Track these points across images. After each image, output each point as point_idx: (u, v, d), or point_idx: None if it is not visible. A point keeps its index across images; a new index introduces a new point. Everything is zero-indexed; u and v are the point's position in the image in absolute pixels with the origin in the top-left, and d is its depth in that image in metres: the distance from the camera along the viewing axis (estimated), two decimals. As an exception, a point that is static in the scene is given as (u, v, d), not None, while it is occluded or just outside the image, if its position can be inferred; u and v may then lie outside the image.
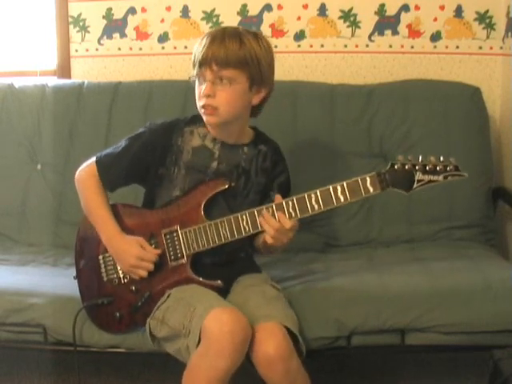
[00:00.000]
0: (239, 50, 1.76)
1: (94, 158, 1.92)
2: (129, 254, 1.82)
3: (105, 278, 1.89)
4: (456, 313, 1.86)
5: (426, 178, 1.69)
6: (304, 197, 1.73)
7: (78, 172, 1.96)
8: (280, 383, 1.66)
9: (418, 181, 1.70)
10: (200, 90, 1.79)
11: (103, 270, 1.89)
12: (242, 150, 1.89)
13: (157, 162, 1.87)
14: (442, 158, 1.71)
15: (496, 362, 1.77)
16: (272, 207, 1.74)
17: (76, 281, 1.93)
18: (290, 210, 1.74)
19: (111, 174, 1.90)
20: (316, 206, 1.72)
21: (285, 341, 1.66)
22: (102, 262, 1.89)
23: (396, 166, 1.70)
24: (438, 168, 1.69)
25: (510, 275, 1.95)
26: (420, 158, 1.71)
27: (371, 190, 1.70)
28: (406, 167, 1.70)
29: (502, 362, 1.76)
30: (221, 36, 1.77)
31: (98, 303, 1.87)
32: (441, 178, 1.70)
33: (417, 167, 1.70)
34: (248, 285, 1.85)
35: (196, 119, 1.89)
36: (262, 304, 1.76)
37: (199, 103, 1.81)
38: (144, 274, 1.82)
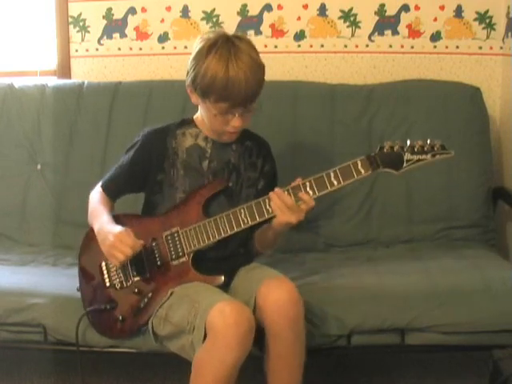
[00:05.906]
0: (262, 78, 1.79)
1: (100, 183, 1.96)
2: (111, 233, 1.79)
3: (107, 284, 1.89)
4: (456, 313, 1.86)
5: (415, 157, 1.75)
6: (299, 185, 1.76)
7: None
8: (284, 330, 1.68)
9: (407, 160, 1.75)
10: (226, 120, 1.79)
11: (106, 276, 1.89)
12: (230, 147, 1.92)
13: (154, 168, 1.89)
14: (428, 141, 1.76)
15: (496, 362, 1.77)
16: (268, 198, 1.77)
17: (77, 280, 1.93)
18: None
19: (113, 186, 1.94)
20: (311, 192, 1.76)
21: (295, 291, 1.71)
22: (104, 268, 1.89)
23: (385, 149, 1.76)
24: (425, 148, 1.75)
25: (510, 275, 1.95)
26: (408, 141, 1.76)
27: (362, 171, 1.76)
28: (395, 149, 1.76)
29: (501, 361, 1.76)
30: (245, 69, 1.73)
31: (102, 308, 1.86)
32: (429, 156, 1.75)
33: (405, 148, 1.75)
34: (250, 268, 1.89)
35: (186, 121, 1.93)
36: (266, 271, 1.84)
37: (224, 129, 1.82)
38: (121, 257, 1.76)
